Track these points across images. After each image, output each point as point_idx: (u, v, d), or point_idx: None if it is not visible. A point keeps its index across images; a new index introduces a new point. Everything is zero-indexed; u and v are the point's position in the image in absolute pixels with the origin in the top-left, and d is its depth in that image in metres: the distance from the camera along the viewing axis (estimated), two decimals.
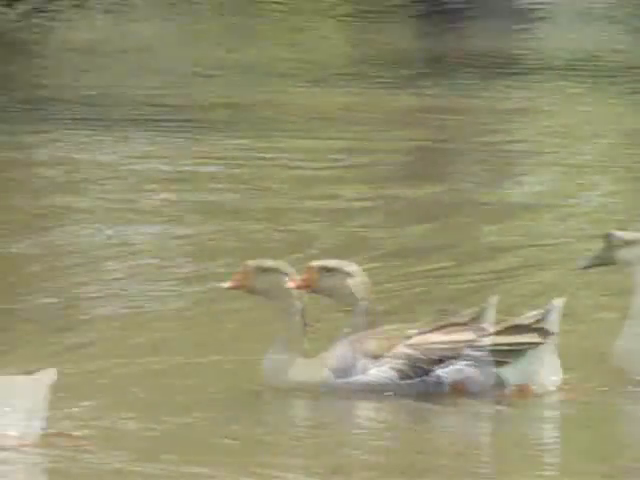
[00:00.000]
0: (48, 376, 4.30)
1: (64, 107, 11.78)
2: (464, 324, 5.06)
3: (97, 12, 15.85)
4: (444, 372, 5.01)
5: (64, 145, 10.50)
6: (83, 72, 13.40)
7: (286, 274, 5.14)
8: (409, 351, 5.00)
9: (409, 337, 5.05)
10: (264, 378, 5.09)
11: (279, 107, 11.97)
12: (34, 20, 15.30)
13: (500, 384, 5.02)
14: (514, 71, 13.68)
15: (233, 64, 13.90)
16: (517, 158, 10.51)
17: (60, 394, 4.58)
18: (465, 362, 4.98)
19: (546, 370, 5.04)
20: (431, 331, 5.07)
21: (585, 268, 5.46)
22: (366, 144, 10.74)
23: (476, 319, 5.03)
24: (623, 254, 5.14)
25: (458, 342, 5.01)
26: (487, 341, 5.00)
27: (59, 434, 4.38)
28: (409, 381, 4.99)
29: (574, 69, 13.47)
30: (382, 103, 12.26)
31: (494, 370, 5.00)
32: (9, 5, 15.45)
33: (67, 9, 15.68)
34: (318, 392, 5.10)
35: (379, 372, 5.02)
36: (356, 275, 5.17)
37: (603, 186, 9.40)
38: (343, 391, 5.08)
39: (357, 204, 8.92)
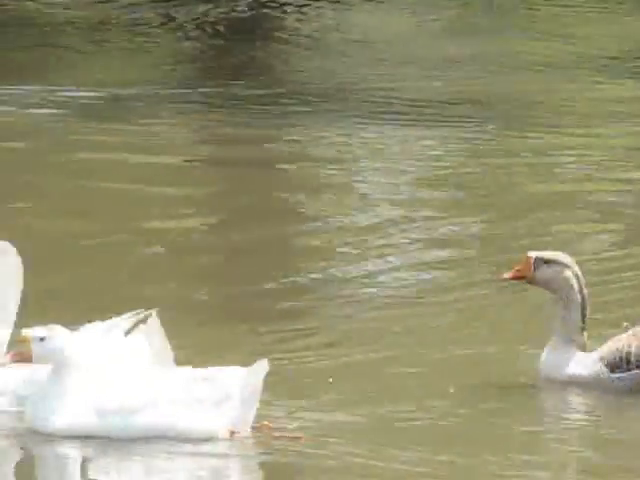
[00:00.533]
0: (262, 367, 4.42)
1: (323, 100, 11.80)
2: None
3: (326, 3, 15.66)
4: None
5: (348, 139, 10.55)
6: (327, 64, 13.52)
7: (567, 266, 5.21)
8: None
9: None
10: (540, 371, 5.17)
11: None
12: (311, 11, 15.41)
13: None
14: None
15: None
16: None
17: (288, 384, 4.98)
18: None
19: None
20: None
21: None
22: None
23: None
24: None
25: None
26: None
27: (272, 428, 4.53)
28: None
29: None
30: None
31: None
32: None
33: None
34: (593, 386, 5.14)
35: None
36: (572, 267, 5.20)
37: None
38: (619, 386, 5.09)
39: None
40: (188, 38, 14.49)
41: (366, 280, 7.14)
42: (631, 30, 14.81)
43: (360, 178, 9.65)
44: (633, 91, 12.28)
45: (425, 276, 7.21)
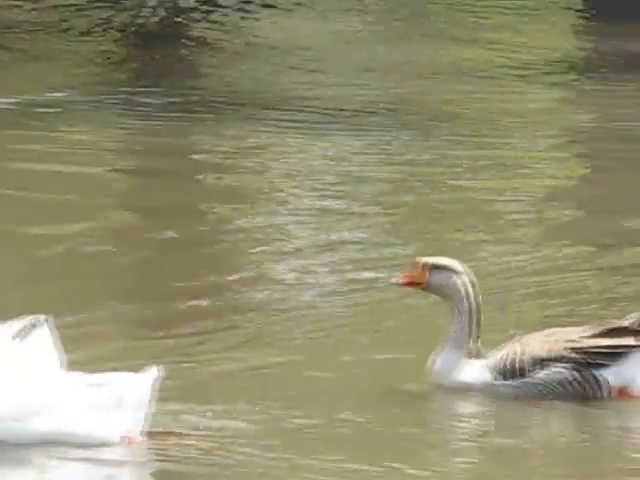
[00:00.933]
0: (153, 373, 4.42)
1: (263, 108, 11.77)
2: (627, 329, 5.07)
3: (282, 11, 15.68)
4: (606, 375, 5.05)
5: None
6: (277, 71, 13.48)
7: (459, 272, 5.23)
8: (572, 355, 5.04)
9: (573, 340, 5.09)
10: (431, 377, 5.20)
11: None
12: (220, 18, 15.42)
13: (602, 386, 5.07)
14: None
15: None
16: None
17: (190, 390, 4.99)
18: (564, 365, 5.05)
19: None
20: (596, 335, 5.09)
21: None
22: None
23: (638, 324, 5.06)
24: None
25: (621, 347, 5.03)
26: (587, 343, 5.07)
27: (168, 433, 4.54)
28: (571, 384, 5.04)
29: None
30: None
31: (596, 372, 5.05)
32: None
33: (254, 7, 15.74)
34: (482, 393, 5.18)
35: (544, 375, 5.08)
36: (464, 273, 5.23)
37: None
38: (507, 394, 5.15)
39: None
40: (98, 43, 14.38)
41: (268, 284, 7.16)
42: (557, 39, 15.16)
43: (272, 185, 9.65)
44: (553, 100, 12.69)
45: (329, 279, 7.27)
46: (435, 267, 5.23)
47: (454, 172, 9.83)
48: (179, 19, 15.45)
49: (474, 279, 5.26)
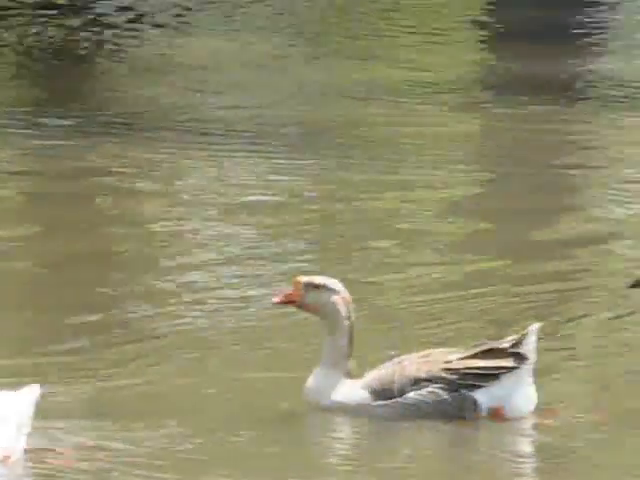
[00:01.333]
0: (33, 391, 4.38)
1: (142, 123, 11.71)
2: (504, 350, 5.11)
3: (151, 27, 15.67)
4: (480, 396, 5.09)
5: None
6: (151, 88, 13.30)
7: (336, 291, 5.20)
8: (447, 375, 5.08)
9: (449, 361, 5.12)
10: (306, 397, 5.16)
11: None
12: (97, 34, 15.30)
13: (475, 408, 5.11)
14: None
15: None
16: None
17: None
18: (439, 385, 5.09)
19: (521, 395, 5.12)
20: (472, 356, 5.14)
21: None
22: None
23: (517, 345, 5.08)
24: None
25: (495, 368, 5.08)
26: (462, 364, 5.11)
27: (48, 451, 4.51)
28: (445, 405, 5.08)
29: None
30: None
31: (469, 393, 5.10)
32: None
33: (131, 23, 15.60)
34: (357, 413, 5.17)
35: (419, 395, 5.09)
36: (340, 293, 5.21)
37: None
38: (382, 414, 5.14)
39: None
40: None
41: (160, 301, 7.10)
42: (465, 60, 15.26)
43: (169, 205, 9.58)
44: (459, 122, 12.56)
45: (223, 295, 7.25)
46: (311, 286, 5.22)
47: (359, 192, 9.86)
48: (70, 38, 15.15)
49: (349, 298, 5.25)
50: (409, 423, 5.12)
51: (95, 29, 15.50)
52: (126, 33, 15.34)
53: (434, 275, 7.71)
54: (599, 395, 5.49)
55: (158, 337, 6.41)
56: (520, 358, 5.08)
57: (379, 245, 8.47)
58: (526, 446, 5.17)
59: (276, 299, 5.37)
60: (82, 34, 15.34)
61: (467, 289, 7.30)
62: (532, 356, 5.08)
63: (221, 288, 7.42)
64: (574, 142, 11.72)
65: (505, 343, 5.15)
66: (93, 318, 6.68)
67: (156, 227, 9.07)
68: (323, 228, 9.11)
